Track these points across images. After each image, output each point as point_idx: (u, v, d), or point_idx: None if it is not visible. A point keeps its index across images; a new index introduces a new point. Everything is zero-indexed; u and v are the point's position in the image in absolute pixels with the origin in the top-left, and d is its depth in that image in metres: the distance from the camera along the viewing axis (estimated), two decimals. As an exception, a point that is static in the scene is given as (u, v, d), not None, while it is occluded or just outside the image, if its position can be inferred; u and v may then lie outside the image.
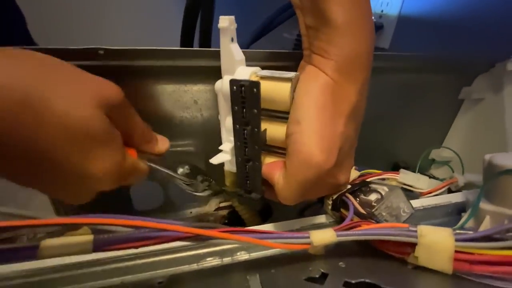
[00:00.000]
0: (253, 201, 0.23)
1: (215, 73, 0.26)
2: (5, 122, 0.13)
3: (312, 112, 0.18)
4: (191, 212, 0.33)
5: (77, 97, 0.15)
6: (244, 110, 0.19)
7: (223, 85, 0.21)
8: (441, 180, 0.32)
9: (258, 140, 0.20)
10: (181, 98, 0.26)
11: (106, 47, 0.22)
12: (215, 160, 0.22)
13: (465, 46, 0.39)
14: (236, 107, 0.19)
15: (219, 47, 0.23)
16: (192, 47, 0.36)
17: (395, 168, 0.37)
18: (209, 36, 0.35)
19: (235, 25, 0.21)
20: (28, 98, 0.13)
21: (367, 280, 0.16)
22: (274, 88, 0.19)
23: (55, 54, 0.21)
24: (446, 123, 0.38)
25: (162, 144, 0.23)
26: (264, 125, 0.20)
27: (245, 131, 0.20)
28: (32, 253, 0.11)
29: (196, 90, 0.27)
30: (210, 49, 0.24)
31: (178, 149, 0.28)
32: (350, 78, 0.18)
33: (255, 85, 0.18)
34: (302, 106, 0.18)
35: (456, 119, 0.38)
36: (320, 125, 0.18)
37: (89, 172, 0.15)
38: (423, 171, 0.37)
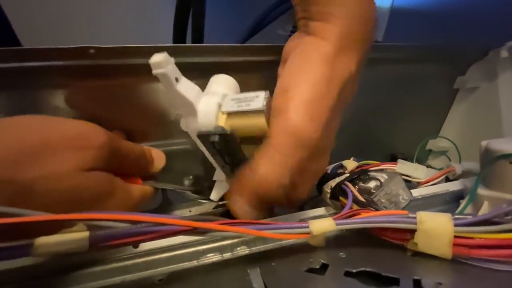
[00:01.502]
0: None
1: (209, 69, 0.26)
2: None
3: (306, 81, 0.16)
4: (190, 211, 0.33)
5: (61, 171, 0.15)
6: (224, 157, 0.18)
7: (188, 128, 0.19)
8: (439, 169, 0.32)
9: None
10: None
11: (97, 45, 0.21)
12: (215, 196, 0.21)
13: (459, 35, 0.39)
14: (216, 157, 0.18)
15: (212, 43, 0.23)
16: (185, 43, 0.36)
17: (393, 159, 0.37)
18: (201, 32, 0.34)
19: (172, 61, 0.17)
20: (22, 189, 0.13)
21: (367, 269, 0.16)
22: (247, 124, 0.17)
23: (44, 54, 0.21)
24: (442, 113, 0.39)
25: (159, 162, 0.23)
26: (246, 148, 0.19)
27: (232, 167, 0.19)
28: (26, 251, 0.10)
29: (190, 87, 0.26)
30: (203, 45, 0.24)
31: (174, 147, 0.28)
32: (352, 47, 0.17)
33: (227, 136, 0.17)
34: (293, 75, 0.17)
35: (451, 109, 0.38)
36: (312, 95, 0.16)
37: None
38: (420, 161, 0.37)
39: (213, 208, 0.34)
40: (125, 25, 0.59)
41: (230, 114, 0.17)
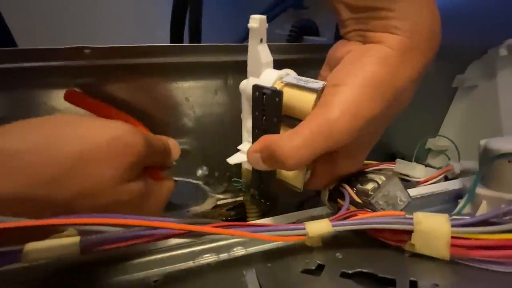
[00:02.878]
0: (263, 204, 0.23)
1: (206, 69, 0.26)
2: None
3: (356, 79, 0.16)
4: (188, 211, 0.33)
5: (98, 186, 0.14)
6: (264, 117, 0.19)
7: (247, 86, 0.21)
8: (438, 168, 0.32)
9: None
10: (172, 95, 0.26)
11: (92, 45, 0.21)
12: (232, 160, 0.21)
13: (457, 33, 0.38)
14: (256, 113, 0.19)
15: (210, 42, 0.22)
16: (182, 42, 0.35)
17: (392, 158, 0.37)
18: (198, 32, 0.34)
19: (266, 26, 0.20)
20: (61, 209, 0.13)
21: (363, 270, 0.16)
22: (298, 97, 0.18)
23: (39, 55, 0.20)
24: (441, 112, 0.38)
25: (176, 152, 0.23)
26: (283, 132, 0.20)
27: (264, 134, 0.19)
28: (15, 257, 0.10)
29: (187, 87, 0.26)
30: (200, 44, 0.24)
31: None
32: (414, 57, 0.17)
33: (277, 94, 0.17)
34: (345, 71, 0.17)
35: (450, 107, 0.38)
36: (359, 94, 0.16)
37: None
38: (420, 161, 0.37)
39: (211, 209, 0.33)
40: (121, 24, 0.59)
41: (287, 84, 0.19)
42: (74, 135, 0.14)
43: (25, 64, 0.20)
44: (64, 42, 0.21)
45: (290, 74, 0.21)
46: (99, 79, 0.23)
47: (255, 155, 0.18)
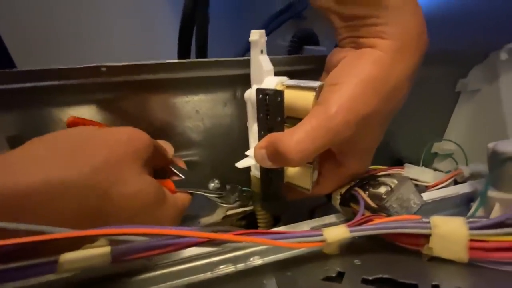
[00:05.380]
0: (275, 205, 0.24)
1: (215, 83, 0.26)
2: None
3: (353, 78, 0.17)
4: (199, 222, 0.33)
5: (125, 176, 0.17)
6: (269, 117, 0.20)
7: (251, 94, 0.22)
8: (446, 172, 0.32)
9: None
10: (183, 108, 0.27)
11: (108, 64, 0.22)
12: (241, 164, 0.22)
13: (459, 38, 0.39)
14: (261, 114, 0.20)
15: (214, 54, 0.23)
16: (189, 57, 0.36)
17: (399, 163, 0.37)
18: (205, 50, 0.35)
19: (265, 38, 0.22)
20: (102, 193, 0.16)
21: (384, 276, 0.16)
22: (298, 96, 0.19)
23: (58, 75, 0.21)
24: (446, 116, 0.39)
25: (170, 150, 0.24)
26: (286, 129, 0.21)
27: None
28: (51, 267, 0.11)
29: (197, 100, 0.27)
30: (208, 59, 0.25)
31: (183, 159, 0.29)
32: (406, 57, 0.18)
33: (279, 94, 0.19)
34: (342, 72, 0.18)
35: (455, 111, 0.38)
36: (356, 91, 0.17)
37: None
38: (427, 165, 0.37)
39: (222, 219, 0.34)
40: (130, 43, 0.60)
41: (288, 86, 0.20)
42: (100, 138, 0.18)
43: (41, 83, 0.21)
44: (76, 60, 0.22)
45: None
46: (115, 95, 0.24)
47: (261, 151, 0.19)
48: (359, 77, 0.17)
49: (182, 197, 0.22)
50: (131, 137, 0.18)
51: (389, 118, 0.21)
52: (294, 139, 0.17)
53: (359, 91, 0.17)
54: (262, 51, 0.22)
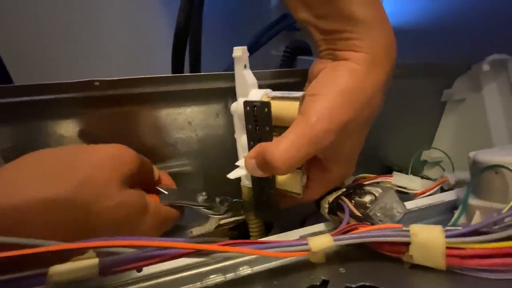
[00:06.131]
0: (267, 213, 0.24)
1: (206, 95, 0.27)
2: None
3: (331, 89, 0.19)
4: (191, 232, 0.33)
5: (107, 190, 0.18)
6: (257, 128, 0.21)
7: (237, 107, 0.23)
8: (434, 180, 0.33)
9: None
10: (176, 120, 0.27)
11: (101, 78, 0.23)
12: (232, 175, 0.23)
13: (443, 51, 0.41)
14: (250, 126, 0.21)
15: (208, 66, 0.24)
16: (183, 68, 0.37)
17: (389, 171, 0.38)
18: (198, 62, 0.36)
19: (247, 54, 0.23)
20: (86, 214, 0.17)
21: (367, 284, 0.17)
22: (284, 107, 0.20)
23: (53, 89, 0.22)
24: (434, 124, 0.40)
25: (156, 170, 0.24)
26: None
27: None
28: (41, 280, 0.11)
29: (189, 112, 0.28)
30: (201, 73, 0.26)
31: (176, 169, 0.29)
32: (378, 68, 0.19)
33: (266, 105, 0.20)
34: (321, 84, 0.19)
35: (442, 120, 0.39)
36: (334, 101, 0.18)
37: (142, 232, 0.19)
38: (416, 172, 0.38)
39: (214, 229, 0.34)
40: (124, 55, 0.61)
41: (273, 98, 0.21)
42: (86, 155, 0.19)
43: (36, 97, 0.22)
44: (72, 75, 0.23)
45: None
46: (108, 108, 0.25)
47: (251, 161, 0.20)
48: (336, 88, 0.19)
49: (166, 208, 0.22)
50: (115, 153, 0.19)
51: (367, 125, 0.22)
52: (281, 148, 0.18)
53: (337, 102, 0.18)
54: (245, 66, 0.23)
